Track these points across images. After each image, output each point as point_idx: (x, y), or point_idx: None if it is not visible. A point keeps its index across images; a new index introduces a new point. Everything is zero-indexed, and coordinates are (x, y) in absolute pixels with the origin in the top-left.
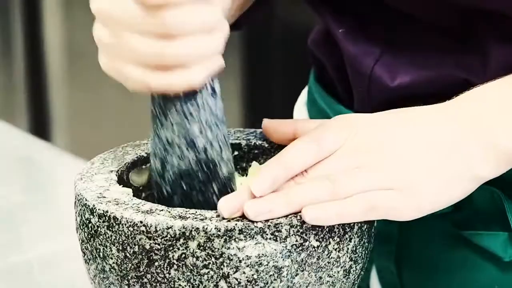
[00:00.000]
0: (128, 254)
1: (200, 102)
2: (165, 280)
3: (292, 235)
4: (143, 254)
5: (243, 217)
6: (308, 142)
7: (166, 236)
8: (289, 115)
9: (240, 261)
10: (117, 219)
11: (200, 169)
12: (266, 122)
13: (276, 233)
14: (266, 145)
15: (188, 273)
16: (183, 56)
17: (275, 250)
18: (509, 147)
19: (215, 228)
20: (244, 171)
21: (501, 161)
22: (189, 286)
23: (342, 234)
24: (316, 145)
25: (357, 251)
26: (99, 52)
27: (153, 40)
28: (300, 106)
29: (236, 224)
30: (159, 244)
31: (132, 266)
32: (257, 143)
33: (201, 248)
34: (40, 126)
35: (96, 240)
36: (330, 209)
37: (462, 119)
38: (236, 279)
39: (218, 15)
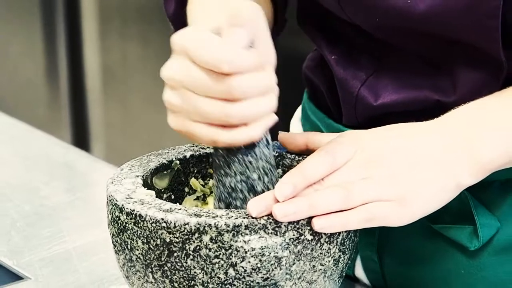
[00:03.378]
0: (151, 246)
1: (258, 153)
2: (183, 268)
3: (290, 230)
4: (164, 246)
5: (248, 215)
6: (324, 155)
7: (184, 231)
8: (287, 129)
9: (246, 252)
10: (142, 216)
11: None
12: (282, 135)
13: (277, 229)
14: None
15: (202, 262)
16: (246, 116)
17: (276, 242)
18: (487, 160)
19: (225, 224)
20: None
21: (480, 171)
22: (203, 273)
23: None
24: (331, 158)
25: (345, 243)
26: (168, 113)
27: (219, 103)
28: (296, 121)
29: (242, 221)
30: (177, 238)
31: (155, 256)
32: None
33: (213, 241)
34: (80, 138)
35: (124, 234)
36: (335, 220)
37: (450, 135)
38: (243, 267)
39: (272, 79)
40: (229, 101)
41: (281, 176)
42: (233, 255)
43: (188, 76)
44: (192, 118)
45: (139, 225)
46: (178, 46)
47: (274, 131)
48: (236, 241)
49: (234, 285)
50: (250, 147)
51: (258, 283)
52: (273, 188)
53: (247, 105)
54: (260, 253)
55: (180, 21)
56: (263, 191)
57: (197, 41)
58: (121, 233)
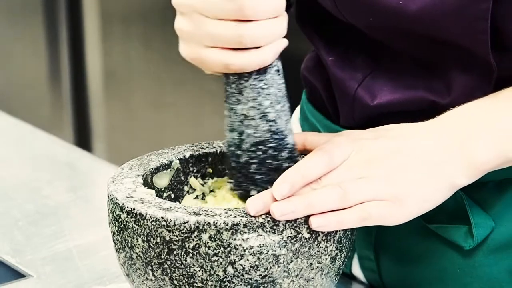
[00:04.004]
0: (151, 244)
1: (270, 79)
2: (182, 266)
3: (287, 228)
4: (164, 244)
5: (246, 214)
6: (321, 155)
7: (183, 229)
8: None
9: (244, 250)
10: (142, 215)
11: (272, 137)
12: None
13: (275, 227)
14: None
15: (201, 260)
16: (258, 37)
17: (274, 241)
18: (482, 161)
19: (223, 223)
20: None
21: (475, 172)
22: (202, 271)
23: None
24: (328, 157)
25: (342, 241)
26: (180, 41)
27: (232, 24)
28: (294, 121)
29: (241, 220)
30: (177, 236)
31: (155, 254)
32: None
33: (212, 239)
34: (82, 138)
35: (125, 233)
36: (332, 219)
37: (445, 136)
38: (241, 265)
39: (282, 1)
40: (241, 22)
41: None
42: (231, 253)
43: None
44: (204, 44)
45: (140, 224)
46: None
47: None
48: (235, 239)
49: (233, 282)
50: (261, 73)
51: (256, 280)
52: (285, 117)
53: (259, 25)
54: (258, 251)
55: None
56: (274, 120)
57: None
58: (121, 232)
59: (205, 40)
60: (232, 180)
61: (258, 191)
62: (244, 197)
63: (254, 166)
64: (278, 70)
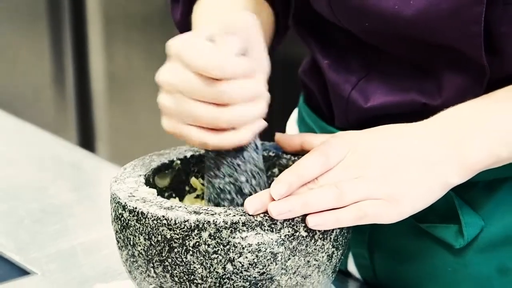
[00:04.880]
0: (153, 242)
1: (247, 156)
2: (183, 263)
3: (285, 226)
4: (165, 242)
5: (245, 213)
6: (318, 155)
7: (184, 227)
8: (283, 130)
9: (243, 248)
10: (144, 214)
11: None
12: (278, 136)
13: (272, 225)
14: (265, 154)
15: (201, 258)
16: (235, 120)
17: (272, 239)
18: (474, 160)
19: (223, 221)
20: None
21: (468, 171)
22: (202, 268)
23: None
24: (325, 158)
25: (338, 240)
26: (162, 116)
27: (210, 107)
28: (292, 122)
29: (240, 218)
30: (177, 234)
31: (156, 252)
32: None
33: (212, 237)
34: (86, 139)
35: (127, 231)
36: (328, 217)
37: (438, 136)
38: (240, 263)
39: (262, 86)
40: (220, 105)
41: (277, 175)
42: (231, 250)
43: (182, 80)
44: (184, 121)
45: (141, 222)
46: (173, 51)
47: (271, 133)
48: (234, 238)
49: (232, 279)
50: (239, 150)
51: (255, 277)
52: (260, 189)
53: (236, 109)
54: (256, 249)
55: (185, 28)
56: (250, 194)
57: (190, 47)
58: (124, 230)
59: (185, 118)
60: None
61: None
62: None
63: None
64: (256, 147)
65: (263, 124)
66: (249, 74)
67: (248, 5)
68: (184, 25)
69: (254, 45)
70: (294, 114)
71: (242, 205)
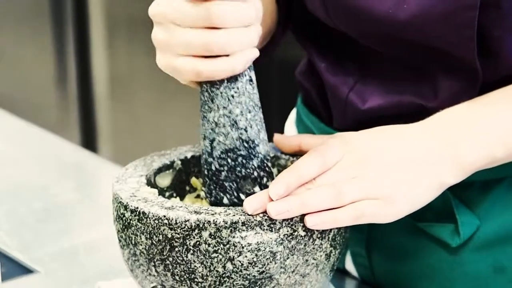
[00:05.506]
0: (154, 242)
1: (241, 88)
2: (184, 262)
3: (284, 226)
4: (166, 241)
5: (244, 212)
6: (315, 156)
7: (184, 227)
8: (282, 131)
9: (243, 247)
10: (146, 213)
11: (243, 146)
12: (276, 137)
13: (272, 225)
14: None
15: (202, 257)
16: (227, 44)
17: (271, 238)
18: (470, 161)
19: (223, 221)
20: None
21: (463, 172)
22: (202, 267)
23: None
24: (322, 159)
25: (336, 239)
26: (156, 52)
27: (200, 32)
28: (290, 123)
29: (239, 218)
30: (178, 234)
31: (157, 251)
32: None
33: (212, 237)
34: (88, 140)
35: (129, 230)
36: (326, 217)
37: (435, 136)
38: (240, 262)
39: (253, 13)
40: (210, 29)
41: (276, 175)
42: (230, 250)
43: (173, 8)
44: (177, 53)
45: (143, 222)
46: None
47: (270, 133)
48: (234, 237)
49: (232, 278)
50: (232, 81)
51: (254, 276)
52: (256, 127)
53: (227, 32)
54: (256, 248)
55: None
56: (245, 128)
57: None
58: (125, 229)
59: (178, 48)
60: (204, 188)
61: (229, 199)
62: (215, 204)
63: (224, 174)
64: (251, 80)
65: (255, 52)
66: None
67: None
68: None
69: None
70: (292, 115)
71: (236, 138)
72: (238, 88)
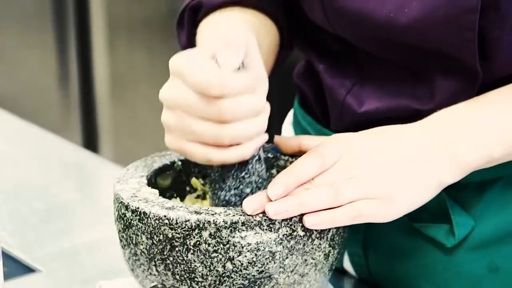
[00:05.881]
0: (154, 241)
1: (251, 169)
2: (184, 261)
3: (283, 226)
4: (166, 241)
5: (244, 213)
6: (314, 156)
7: (185, 227)
8: (279, 131)
9: (242, 247)
10: (146, 213)
11: None
12: (277, 138)
13: (271, 225)
14: (264, 156)
15: (202, 256)
16: (237, 137)
17: (270, 238)
18: (468, 160)
19: (223, 221)
20: None
21: (460, 171)
22: (203, 266)
23: None
24: (321, 159)
25: (335, 239)
26: (166, 132)
27: (212, 125)
28: (287, 124)
29: (239, 218)
30: (179, 234)
31: (158, 251)
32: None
33: (212, 236)
34: (89, 140)
35: (130, 230)
36: (324, 217)
37: (432, 136)
38: (240, 261)
39: (263, 101)
40: (222, 123)
41: (275, 176)
42: (230, 249)
43: (183, 98)
44: (187, 138)
45: (144, 222)
46: (174, 69)
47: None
48: (234, 237)
49: (232, 277)
50: (243, 163)
51: (253, 275)
52: None
53: (238, 126)
54: (255, 248)
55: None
56: None
57: (190, 65)
58: (126, 229)
59: (188, 135)
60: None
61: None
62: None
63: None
64: (259, 159)
65: (265, 137)
66: (249, 90)
67: (253, 21)
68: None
69: (252, 59)
70: (289, 116)
71: None
72: (248, 170)
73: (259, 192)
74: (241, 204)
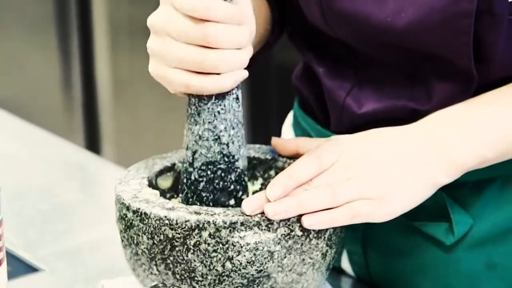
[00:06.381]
0: (155, 241)
1: (227, 105)
2: (184, 261)
3: (281, 226)
4: (167, 241)
5: (243, 213)
6: (312, 158)
7: (185, 227)
8: (279, 133)
9: (241, 247)
10: (147, 214)
11: (223, 160)
12: (274, 140)
13: (269, 225)
14: (262, 157)
15: (202, 256)
16: (219, 64)
17: (269, 238)
18: (462, 161)
19: (222, 221)
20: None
21: (455, 172)
22: (202, 266)
23: None
24: (318, 160)
25: (332, 238)
26: (150, 59)
27: (195, 49)
28: (287, 126)
29: (238, 218)
30: (179, 234)
31: (159, 250)
32: (256, 156)
33: (211, 236)
34: (92, 142)
35: (131, 230)
36: (322, 217)
37: (427, 137)
38: (239, 261)
39: (246, 36)
40: (205, 48)
41: (273, 177)
42: (229, 249)
43: (171, 21)
44: (170, 64)
45: (144, 222)
46: None
47: (267, 136)
48: (233, 237)
49: (231, 276)
50: (220, 98)
51: (252, 275)
52: (238, 143)
53: (220, 53)
54: (254, 248)
55: None
56: (227, 143)
57: None
58: (128, 229)
59: (171, 61)
60: (182, 195)
61: None
62: None
63: (202, 184)
64: (237, 98)
65: (245, 74)
66: (233, 20)
67: None
68: None
69: (241, 2)
70: (289, 118)
71: (218, 152)
72: (225, 106)
73: (258, 193)
74: (214, 140)
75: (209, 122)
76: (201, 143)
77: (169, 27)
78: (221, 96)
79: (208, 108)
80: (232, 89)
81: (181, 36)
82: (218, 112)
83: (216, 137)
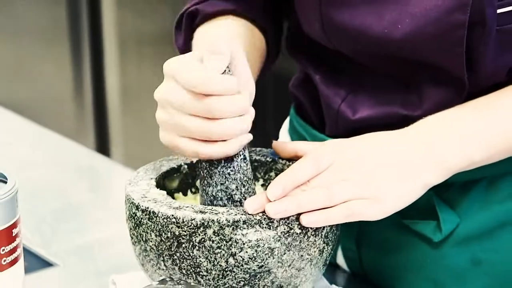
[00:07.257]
0: (163, 238)
1: (236, 166)
2: (190, 257)
3: (281, 224)
4: (174, 238)
5: (245, 212)
6: (310, 160)
7: (190, 225)
8: (276, 138)
9: (243, 244)
10: (155, 213)
11: None
12: (275, 143)
13: (270, 223)
14: (263, 159)
15: (206, 252)
16: (224, 133)
17: (269, 235)
18: (450, 164)
19: (225, 220)
20: None
21: (444, 173)
22: (207, 261)
23: None
24: (316, 163)
25: (329, 236)
26: (160, 129)
27: (201, 120)
28: (284, 131)
29: (241, 217)
30: (185, 231)
31: (166, 247)
32: (257, 158)
33: (216, 234)
34: (102, 145)
35: (140, 228)
36: (319, 216)
37: (417, 141)
38: (241, 257)
39: (247, 102)
40: (210, 119)
41: (273, 178)
42: (232, 246)
43: (175, 96)
44: (178, 134)
45: (153, 220)
46: (167, 71)
47: (266, 139)
48: (235, 234)
49: (234, 272)
50: (229, 161)
51: (254, 270)
52: (249, 196)
53: (224, 123)
54: (256, 244)
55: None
56: (240, 200)
57: (180, 66)
58: (137, 227)
59: (179, 131)
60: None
61: None
62: None
63: None
64: (245, 158)
65: (249, 137)
66: (233, 90)
67: (242, 31)
68: (186, 51)
69: (237, 65)
70: (286, 124)
71: None
72: (234, 167)
73: (259, 193)
74: (227, 199)
75: (221, 184)
76: (216, 202)
77: (174, 101)
78: (229, 159)
79: (219, 171)
80: (239, 151)
81: (185, 109)
82: (229, 174)
83: (229, 196)
